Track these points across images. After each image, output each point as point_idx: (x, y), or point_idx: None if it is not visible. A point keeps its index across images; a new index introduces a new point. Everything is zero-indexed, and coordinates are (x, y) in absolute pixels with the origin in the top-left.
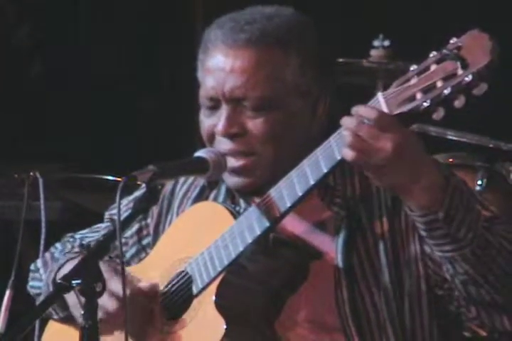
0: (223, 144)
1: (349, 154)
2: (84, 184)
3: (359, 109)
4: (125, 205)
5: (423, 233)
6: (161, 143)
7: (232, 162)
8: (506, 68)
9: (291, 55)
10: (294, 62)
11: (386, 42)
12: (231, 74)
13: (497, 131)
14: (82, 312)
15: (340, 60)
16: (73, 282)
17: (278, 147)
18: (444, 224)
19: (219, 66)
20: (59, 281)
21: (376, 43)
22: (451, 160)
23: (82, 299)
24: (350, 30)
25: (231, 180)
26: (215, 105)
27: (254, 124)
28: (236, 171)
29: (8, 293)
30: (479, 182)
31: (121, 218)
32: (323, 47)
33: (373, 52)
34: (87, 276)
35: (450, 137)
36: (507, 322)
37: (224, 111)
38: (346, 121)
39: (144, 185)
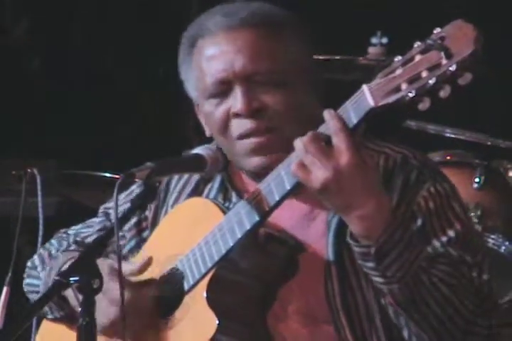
0: (243, 125)
1: (293, 168)
2: (81, 181)
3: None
4: (121, 200)
5: (358, 261)
6: (159, 141)
7: (252, 141)
8: (505, 66)
9: (285, 32)
10: (287, 39)
11: (384, 40)
12: (238, 54)
13: (495, 128)
14: (80, 309)
15: (338, 57)
16: (71, 279)
17: (295, 122)
18: (374, 259)
19: (223, 50)
20: (56, 278)
21: (374, 40)
22: (448, 157)
23: (80, 296)
24: (348, 27)
25: (252, 162)
26: (225, 89)
27: (272, 97)
28: (257, 150)
29: (5, 289)
30: (477, 180)
31: (118, 214)
32: (309, 27)
33: (371, 50)
34: (85, 273)
35: (448, 134)
36: None
37: (239, 90)
38: (296, 141)
39: (139, 183)
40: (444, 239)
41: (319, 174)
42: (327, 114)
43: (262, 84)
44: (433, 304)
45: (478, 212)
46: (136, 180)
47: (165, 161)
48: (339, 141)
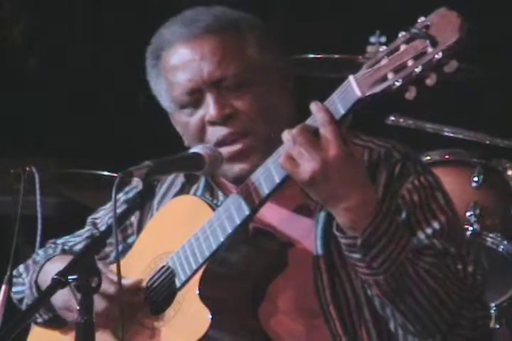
0: (217, 132)
1: (282, 160)
2: (80, 179)
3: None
4: (108, 208)
5: (344, 252)
6: (158, 139)
7: (231, 148)
8: (504, 65)
9: (246, 35)
10: (251, 42)
11: (382, 39)
12: (203, 61)
13: (493, 127)
14: (78, 307)
15: (337, 56)
16: (69, 278)
17: (269, 122)
18: (360, 250)
19: (187, 59)
20: (55, 277)
21: (373, 39)
22: (447, 156)
23: (78, 295)
24: (347, 27)
25: (233, 169)
26: (196, 98)
27: (243, 102)
28: (236, 156)
29: (3, 288)
30: (475, 179)
31: (109, 219)
32: (271, 29)
33: (370, 49)
34: (83, 272)
35: (447, 133)
36: None
37: (209, 98)
38: (283, 135)
39: (126, 189)
40: (429, 231)
41: (307, 166)
42: (314, 107)
43: (230, 89)
44: (419, 295)
45: (477, 211)
46: (134, 178)
47: (163, 160)
48: (326, 133)
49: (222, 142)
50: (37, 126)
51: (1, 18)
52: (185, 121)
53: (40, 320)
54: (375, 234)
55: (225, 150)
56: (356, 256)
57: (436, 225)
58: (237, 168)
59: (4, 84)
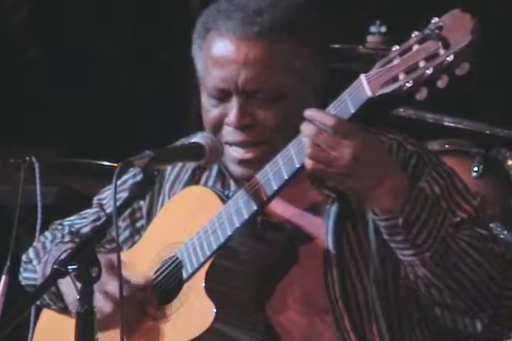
0: (233, 135)
1: (309, 164)
2: (80, 169)
3: (316, 115)
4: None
5: (385, 237)
6: (159, 129)
7: (241, 152)
8: (504, 55)
9: (302, 43)
10: (305, 51)
11: (383, 29)
12: (244, 67)
13: (493, 117)
14: (78, 297)
15: (337, 45)
16: (69, 267)
17: (287, 133)
18: (403, 230)
19: (230, 57)
20: (55, 266)
21: (373, 29)
22: (447, 146)
23: (78, 284)
24: (347, 16)
25: (238, 171)
26: (224, 96)
27: (266, 115)
28: (244, 162)
29: (3, 278)
30: (475, 169)
31: (111, 203)
32: (323, 32)
33: (370, 39)
34: (83, 262)
35: (447, 123)
36: (470, 325)
37: (235, 103)
38: (305, 128)
39: (134, 172)
40: (457, 219)
41: (339, 162)
42: (319, 115)
43: (260, 100)
44: (466, 269)
45: None
46: (135, 168)
47: (164, 150)
48: (336, 127)
49: (233, 144)
50: (37, 116)
51: (2, 7)
52: (206, 108)
53: (54, 307)
54: (413, 211)
55: (234, 150)
56: (399, 237)
57: (463, 215)
58: (244, 171)
59: (5, 74)
